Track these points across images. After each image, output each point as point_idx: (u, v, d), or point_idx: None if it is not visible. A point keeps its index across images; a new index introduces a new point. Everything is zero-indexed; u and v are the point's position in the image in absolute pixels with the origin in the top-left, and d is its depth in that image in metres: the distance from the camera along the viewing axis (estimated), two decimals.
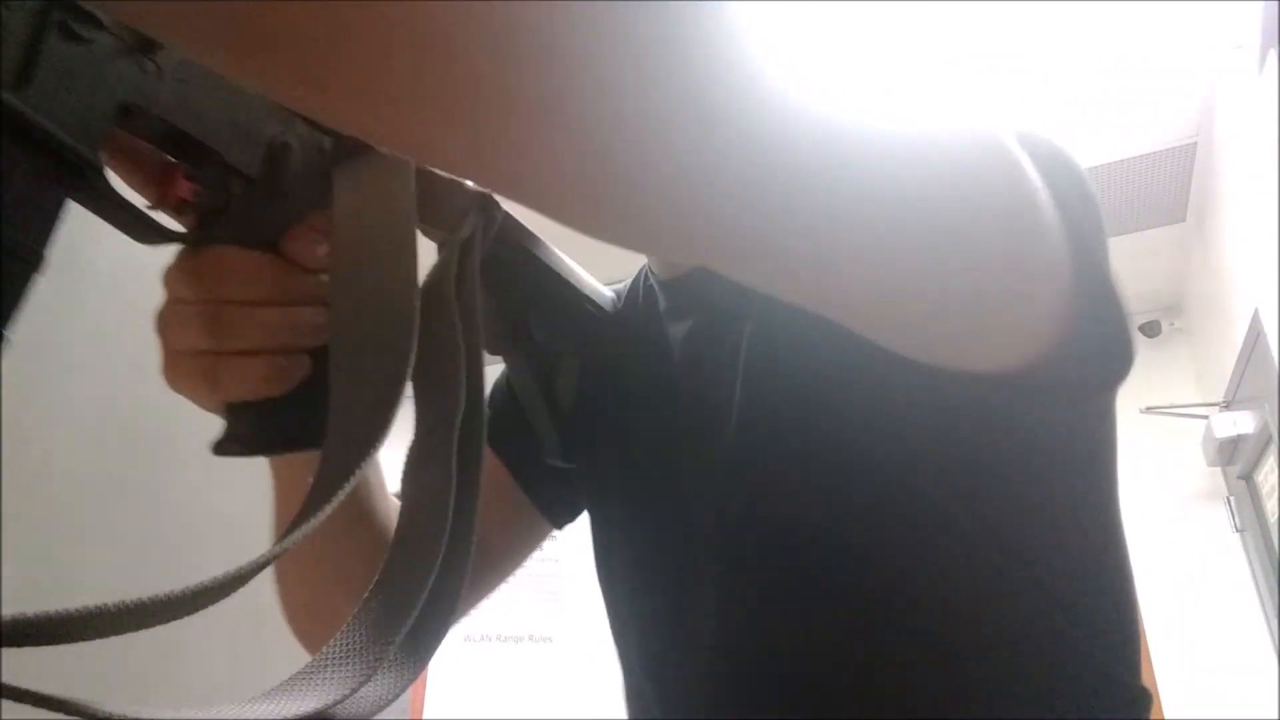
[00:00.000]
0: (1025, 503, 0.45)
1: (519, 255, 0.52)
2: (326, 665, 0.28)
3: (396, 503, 0.56)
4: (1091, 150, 2.69)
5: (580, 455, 0.60)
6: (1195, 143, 2.69)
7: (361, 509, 0.51)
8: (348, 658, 0.28)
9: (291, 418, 0.38)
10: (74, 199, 0.28)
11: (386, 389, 0.31)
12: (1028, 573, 0.44)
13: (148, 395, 1.05)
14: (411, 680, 0.31)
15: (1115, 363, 0.36)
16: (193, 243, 0.36)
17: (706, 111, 0.20)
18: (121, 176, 0.34)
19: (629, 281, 0.67)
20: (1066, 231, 0.33)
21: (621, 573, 0.60)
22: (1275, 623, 2.98)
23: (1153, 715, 0.48)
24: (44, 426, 0.94)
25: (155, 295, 0.40)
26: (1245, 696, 3.01)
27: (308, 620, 0.55)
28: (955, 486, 0.44)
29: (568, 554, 3.74)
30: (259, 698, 0.26)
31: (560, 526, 0.66)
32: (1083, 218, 0.35)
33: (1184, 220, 3.11)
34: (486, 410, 0.65)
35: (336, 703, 0.27)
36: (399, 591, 0.31)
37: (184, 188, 0.34)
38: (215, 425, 0.39)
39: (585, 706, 3.71)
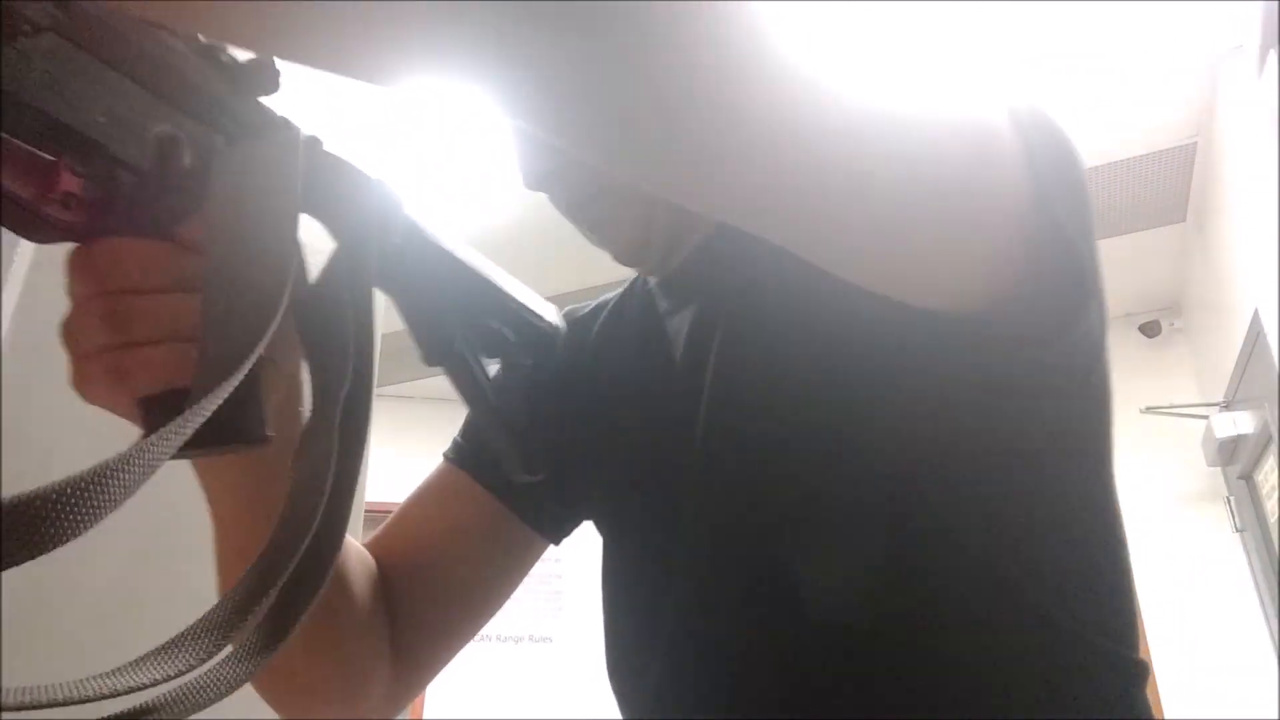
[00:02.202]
0: (1009, 487, 0.45)
1: (448, 267, 0.51)
2: (185, 638, 0.28)
3: (357, 549, 0.55)
4: (1091, 150, 2.69)
5: (562, 464, 0.59)
6: (1195, 143, 2.69)
7: None
8: (208, 631, 0.28)
9: (213, 414, 0.37)
10: None
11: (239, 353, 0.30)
12: (1015, 561, 0.43)
13: None
14: (269, 655, 0.30)
15: (1065, 312, 0.39)
16: (80, 238, 0.35)
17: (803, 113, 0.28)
18: None
19: (618, 294, 0.67)
20: (1034, 191, 0.36)
21: (607, 574, 0.60)
22: (1275, 623, 2.98)
23: (1153, 716, 0.47)
24: (44, 426, 0.94)
25: None
26: (1245, 696, 3.01)
27: (269, 680, 0.52)
28: (934, 473, 0.44)
29: (568, 554, 3.73)
30: (117, 670, 0.26)
31: (558, 541, 0.65)
32: (1054, 181, 0.38)
33: (1184, 220, 3.11)
34: (458, 439, 0.63)
35: (183, 672, 0.27)
36: (269, 566, 0.30)
37: (69, 181, 0.33)
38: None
39: (585, 706, 3.71)
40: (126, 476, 0.22)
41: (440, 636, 0.60)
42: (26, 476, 0.91)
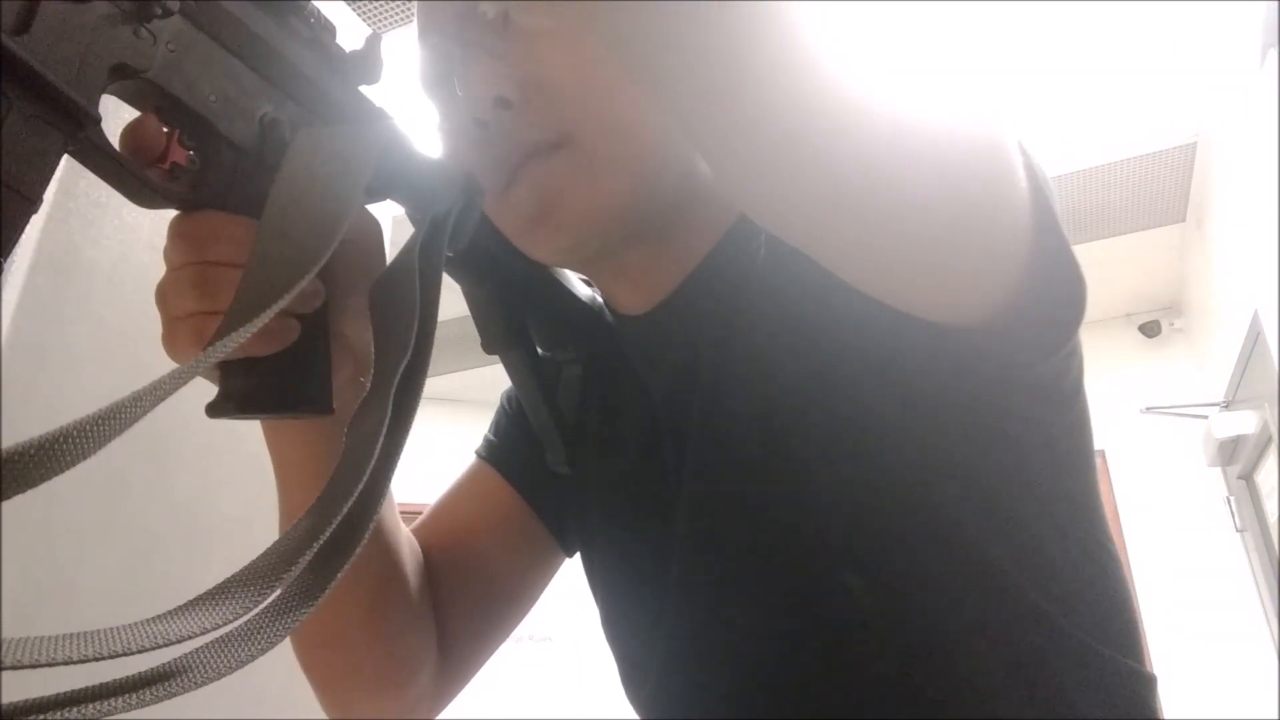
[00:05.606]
0: (999, 500, 0.45)
1: (514, 256, 0.52)
2: (229, 586, 0.28)
3: (399, 521, 0.56)
4: (1091, 150, 2.69)
5: (576, 465, 0.60)
6: (1195, 143, 2.69)
7: None
8: (249, 582, 0.29)
9: (282, 380, 0.40)
10: (71, 152, 0.29)
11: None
12: (1006, 574, 0.44)
13: None
14: (305, 613, 0.30)
15: (1064, 326, 0.41)
16: (182, 205, 0.37)
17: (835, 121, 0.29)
18: (119, 141, 0.35)
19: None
20: (1035, 211, 0.37)
21: (602, 581, 0.60)
22: (1275, 623, 2.98)
23: None
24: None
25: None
26: (1245, 696, 3.01)
27: (323, 651, 0.54)
28: (923, 488, 0.44)
29: None
30: (155, 618, 0.26)
31: (571, 553, 0.66)
32: (1048, 203, 0.38)
33: (1184, 220, 3.11)
34: (490, 436, 0.65)
35: (225, 623, 0.27)
36: (316, 521, 0.31)
37: (178, 153, 0.36)
38: (215, 426, 0.39)
39: (585, 706, 3.71)
40: (134, 409, 0.25)
41: (480, 627, 0.61)
42: None
